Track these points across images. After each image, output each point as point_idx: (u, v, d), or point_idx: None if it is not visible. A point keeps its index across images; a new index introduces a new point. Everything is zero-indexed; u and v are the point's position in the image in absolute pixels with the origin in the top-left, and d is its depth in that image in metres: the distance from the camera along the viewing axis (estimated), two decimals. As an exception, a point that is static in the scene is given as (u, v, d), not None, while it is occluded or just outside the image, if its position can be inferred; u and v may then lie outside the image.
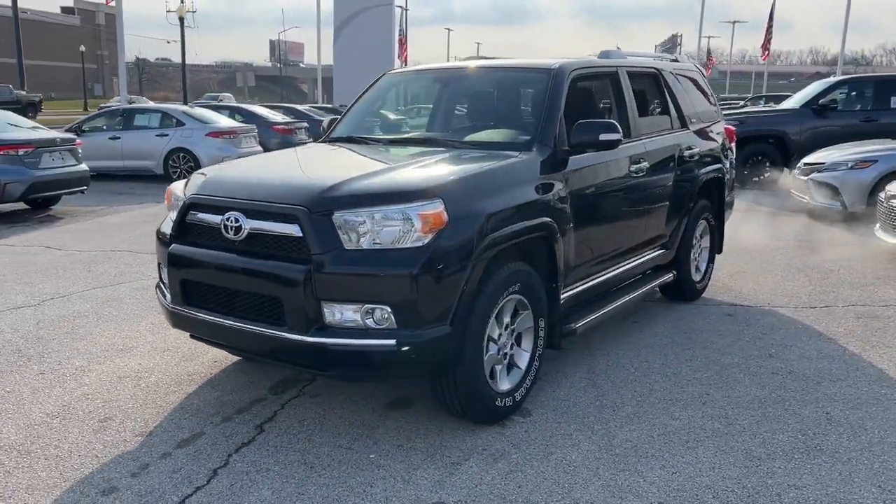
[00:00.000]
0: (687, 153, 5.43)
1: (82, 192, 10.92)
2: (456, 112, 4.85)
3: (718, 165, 5.94)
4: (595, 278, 4.49)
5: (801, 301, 5.90)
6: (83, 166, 10.44)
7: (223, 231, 3.47)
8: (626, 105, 4.84)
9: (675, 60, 6.06)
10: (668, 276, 5.45)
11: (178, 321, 3.76)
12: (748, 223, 9.48)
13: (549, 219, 3.81)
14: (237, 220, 3.41)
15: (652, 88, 5.45)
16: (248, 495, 3.07)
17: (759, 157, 13.14)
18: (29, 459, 3.35)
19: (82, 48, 64.82)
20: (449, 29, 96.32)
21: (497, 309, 3.53)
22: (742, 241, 8.13)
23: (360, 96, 5.08)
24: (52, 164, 9.96)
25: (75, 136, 10.76)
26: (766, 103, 22.28)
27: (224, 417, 3.79)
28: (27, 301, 5.92)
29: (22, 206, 10.79)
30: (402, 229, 3.21)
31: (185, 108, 14.81)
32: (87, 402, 3.97)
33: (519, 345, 3.84)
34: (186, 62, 45.63)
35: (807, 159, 10.32)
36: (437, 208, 3.23)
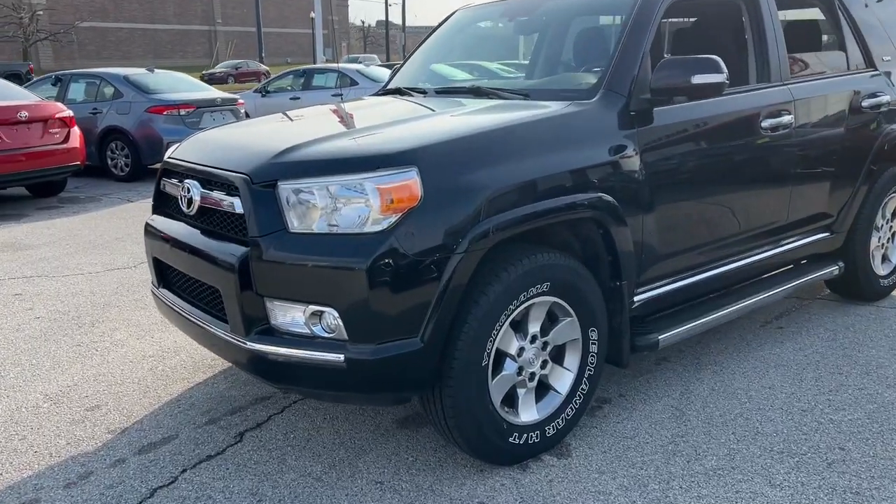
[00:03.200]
0: (868, 102, 3.98)
1: None
2: (528, 52, 3.85)
3: (926, 120, 4.34)
4: (700, 272, 3.35)
5: None
6: (245, 126, 10.57)
7: (180, 202, 2.88)
8: (767, 38, 3.56)
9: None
10: (833, 269, 4.07)
11: (158, 305, 3.25)
12: None
13: (604, 195, 2.77)
14: (190, 191, 2.80)
15: (819, 15, 4.03)
16: (164, 532, 2.49)
17: None
18: (-15, 451, 3.04)
19: (312, 15, 68.85)
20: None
21: (511, 315, 2.60)
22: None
23: (425, 39, 4.23)
24: (213, 124, 10.17)
25: (237, 97, 10.94)
26: None
27: (211, 419, 3.25)
28: (126, 263, 5.86)
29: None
30: (366, 208, 2.39)
31: (360, 67, 14.72)
32: (92, 384, 3.63)
33: (560, 362, 2.88)
34: (408, 24, 47.87)
35: None
36: (404, 180, 2.37)
